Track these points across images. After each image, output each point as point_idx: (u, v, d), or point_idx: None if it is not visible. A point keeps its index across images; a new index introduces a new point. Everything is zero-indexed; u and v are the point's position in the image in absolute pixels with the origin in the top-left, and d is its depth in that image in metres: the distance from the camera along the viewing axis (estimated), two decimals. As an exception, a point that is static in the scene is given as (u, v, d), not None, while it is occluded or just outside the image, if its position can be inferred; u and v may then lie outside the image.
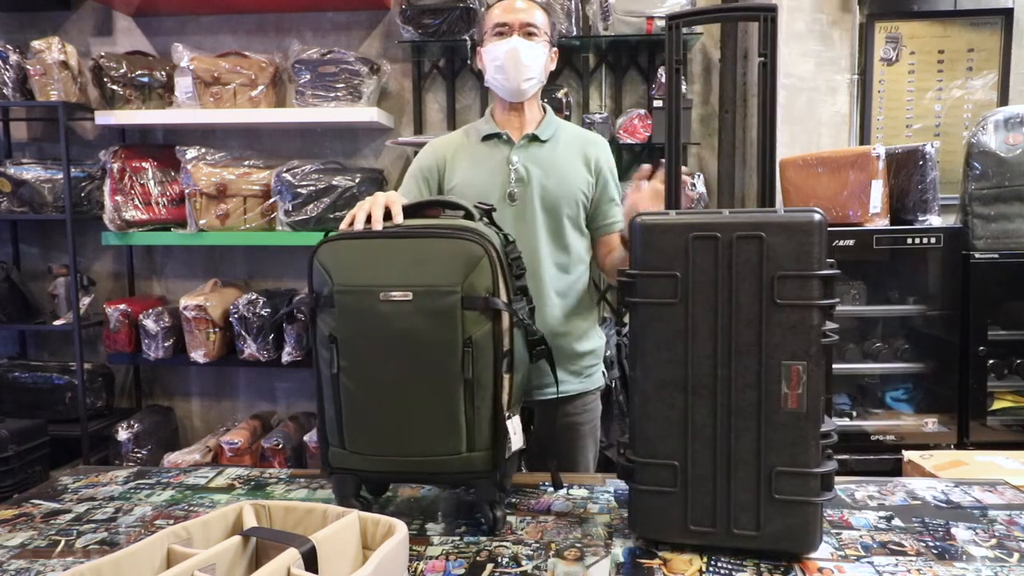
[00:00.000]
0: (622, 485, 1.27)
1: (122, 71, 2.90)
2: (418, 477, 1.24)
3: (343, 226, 1.21)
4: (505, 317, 1.15)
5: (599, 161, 1.67)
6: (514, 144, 1.65)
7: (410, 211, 1.22)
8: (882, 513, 1.23)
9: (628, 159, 2.99)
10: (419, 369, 1.12)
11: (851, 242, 2.46)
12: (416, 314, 1.10)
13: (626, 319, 1.21)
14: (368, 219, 1.18)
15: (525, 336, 1.22)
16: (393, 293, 1.11)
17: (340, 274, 1.14)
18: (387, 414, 1.14)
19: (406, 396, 1.12)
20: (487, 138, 1.67)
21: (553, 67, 1.71)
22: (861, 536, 1.15)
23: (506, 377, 1.16)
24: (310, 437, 2.84)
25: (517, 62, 1.60)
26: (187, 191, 2.87)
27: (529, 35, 1.61)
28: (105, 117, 2.91)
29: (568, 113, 2.81)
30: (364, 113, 2.85)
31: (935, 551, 1.09)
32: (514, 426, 1.17)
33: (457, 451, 1.14)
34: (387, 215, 1.20)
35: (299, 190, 2.79)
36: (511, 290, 1.17)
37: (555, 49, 1.71)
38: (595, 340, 1.73)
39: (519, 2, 1.63)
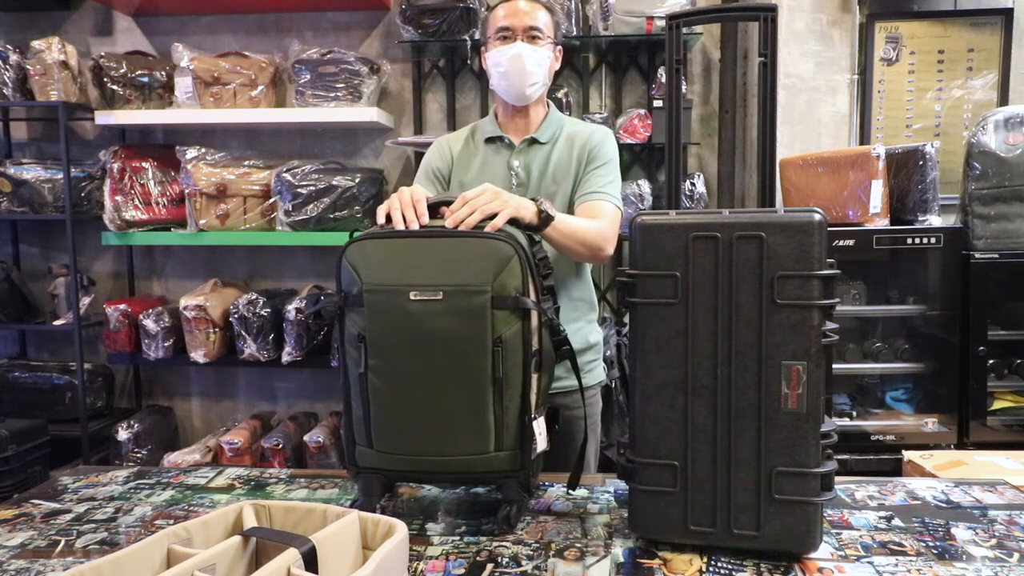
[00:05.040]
0: (622, 485, 1.27)
1: (122, 71, 2.90)
2: (445, 477, 1.23)
3: (380, 219, 1.21)
4: (534, 316, 1.15)
5: (585, 146, 1.64)
6: (515, 148, 1.65)
7: (430, 208, 1.22)
8: (882, 513, 1.23)
9: (628, 159, 2.99)
10: (448, 368, 1.12)
11: (851, 242, 2.46)
12: (446, 313, 1.10)
13: (626, 319, 1.21)
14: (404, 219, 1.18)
15: (550, 336, 1.22)
16: (423, 292, 1.11)
17: (369, 273, 1.14)
18: (416, 413, 1.14)
19: (435, 395, 1.13)
20: (489, 141, 1.68)
21: (558, 66, 1.70)
22: (861, 536, 1.15)
23: (535, 377, 1.16)
24: (310, 437, 2.84)
25: (521, 69, 1.59)
26: (187, 191, 2.87)
27: (533, 39, 1.60)
28: (105, 117, 2.91)
29: (568, 113, 2.81)
30: (364, 113, 2.85)
31: (935, 551, 1.09)
32: (539, 427, 1.17)
33: (485, 451, 1.14)
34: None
35: (299, 190, 2.79)
36: (539, 289, 1.17)
37: (559, 48, 1.69)
38: (594, 335, 1.73)
39: (522, 4, 1.62)
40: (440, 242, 1.15)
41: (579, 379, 1.30)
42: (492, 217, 1.19)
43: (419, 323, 1.11)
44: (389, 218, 1.20)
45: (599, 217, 1.56)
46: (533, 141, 1.65)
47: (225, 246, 3.20)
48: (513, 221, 1.23)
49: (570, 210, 1.62)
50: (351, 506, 1.09)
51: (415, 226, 1.17)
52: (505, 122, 1.69)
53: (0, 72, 2.87)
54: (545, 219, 1.32)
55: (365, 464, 1.19)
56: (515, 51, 1.59)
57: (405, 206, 1.19)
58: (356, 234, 1.18)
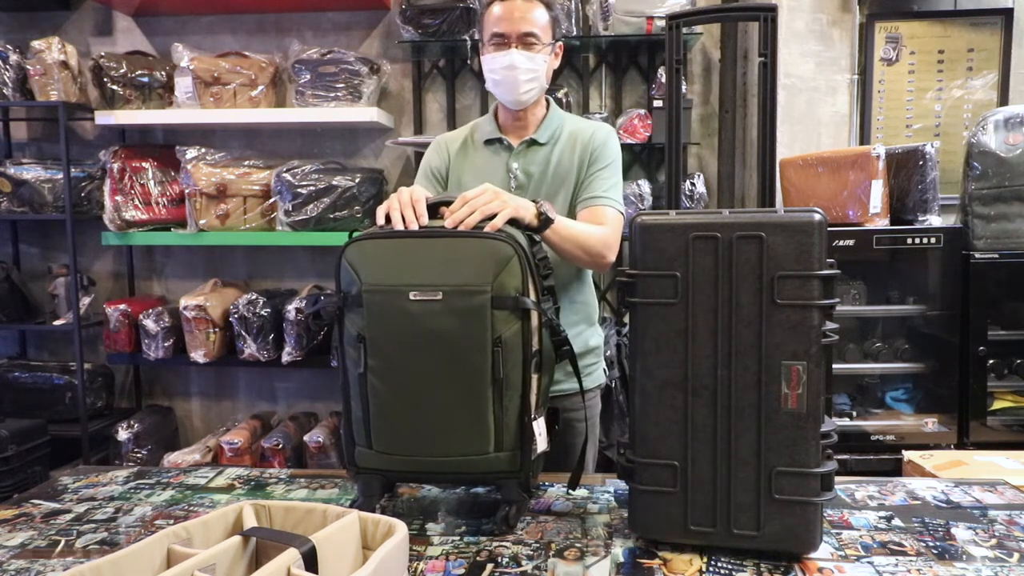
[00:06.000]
0: (622, 485, 1.27)
1: (122, 71, 2.90)
2: (445, 477, 1.23)
3: (379, 219, 1.21)
4: (534, 317, 1.15)
5: (588, 146, 1.62)
6: (513, 150, 1.64)
7: (429, 208, 1.22)
8: (882, 513, 1.23)
9: (628, 159, 2.99)
10: (448, 369, 1.12)
11: (851, 242, 2.46)
12: (446, 314, 1.10)
13: (626, 319, 1.21)
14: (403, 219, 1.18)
15: (551, 336, 1.22)
16: (423, 292, 1.11)
17: (369, 273, 1.14)
18: (415, 414, 1.14)
19: (435, 396, 1.13)
20: (488, 142, 1.66)
21: (557, 63, 1.67)
22: (861, 536, 1.15)
23: (534, 377, 1.16)
24: (310, 437, 2.84)
25: (515, 79, 1.57)
26: (187, 191, 2.87)
27: (528, 45, 1.57)
28: (105, 117, 2.91)
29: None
30: (364, 113, 2.85)
31: (935, 551, 1.09)
32: (539, 428, 1.17)
33: (484, 451, 1.14)
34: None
35: (299, 190, 2.79)
36: (539, 290, 1.17)
37: (559, 44, 1.66)
38: (595, 338, 1.73)
39: (519, 2, 1.58)
40: (440, 242, 1.15)
41: (580, 382, 1.30)
42: (492, 217, 1.19)
43: (419, 323, 1.11)
44: (389, 218, 1.20)
45: (602, 223, 1.54)
46: (532, 142, 1.64)
47: (225, 246, 3.20)
48: (513, 222, 1.23)
49: (572, 212, 1.61)
50: (351, 506, 1.09)
51: (414, 226, 1.17)
52: (504, 123, 1.67)
53: (0, 72, 2.87)
54: (545, 221, 1.31)
55: (365, 464, 1.19)
56: (509, 60, 1.56)
57: (404, 206, 1.19)
58: (356, 234, 1.18)
